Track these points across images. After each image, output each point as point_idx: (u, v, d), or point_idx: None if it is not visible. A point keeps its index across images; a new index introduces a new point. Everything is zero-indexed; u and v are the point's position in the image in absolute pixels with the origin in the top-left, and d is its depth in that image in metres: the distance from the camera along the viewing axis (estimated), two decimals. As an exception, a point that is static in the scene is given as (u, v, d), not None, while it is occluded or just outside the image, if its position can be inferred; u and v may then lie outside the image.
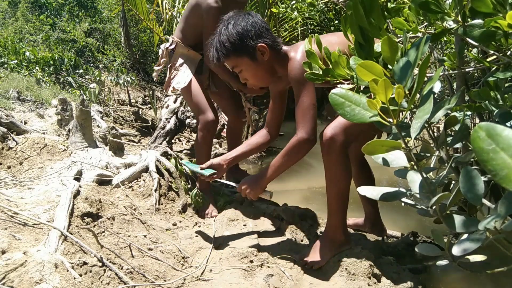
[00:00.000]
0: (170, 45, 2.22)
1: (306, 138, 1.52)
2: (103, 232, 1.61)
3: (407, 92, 0.68)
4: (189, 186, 2.24)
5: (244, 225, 1.93)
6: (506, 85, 0.85)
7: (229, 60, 1.59)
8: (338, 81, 0.87)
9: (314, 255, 1.56)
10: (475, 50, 1.02)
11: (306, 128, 1.52)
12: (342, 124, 1.50)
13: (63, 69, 4.88)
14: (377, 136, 1.65)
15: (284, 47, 1.63)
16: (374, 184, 1.89)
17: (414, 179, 0.79)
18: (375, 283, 1.41)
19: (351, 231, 1.96)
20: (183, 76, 2.14)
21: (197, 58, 2.22)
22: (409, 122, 0.76)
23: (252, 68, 1.59)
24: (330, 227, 1.59)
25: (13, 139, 2.37)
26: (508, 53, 0.80)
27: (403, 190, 0.81)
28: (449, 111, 0.80)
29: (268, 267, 1.53)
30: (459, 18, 0.77)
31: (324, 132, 1.53)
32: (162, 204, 2.03)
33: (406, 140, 0.71)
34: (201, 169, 1.74)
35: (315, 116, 1.53)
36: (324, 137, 1.52)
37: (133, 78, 4.80)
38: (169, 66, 2.22)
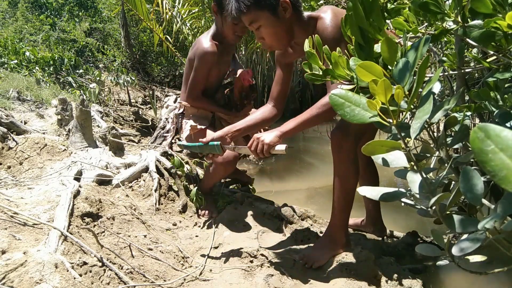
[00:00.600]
0: (178, 109, 2.20)
1: None
2: (103, 232, 1.61)
3: (406, 92, 0.68)
4: (190, 187, 2.24)
5: (244, 225, 1.93)
6: (506, 85, 0.86)
7: (249, 13, 1.49)
8: (338, 82, 0.87)
9: (314, 254, 1.56)
10: (475, 51, 1.02)
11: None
12: (352, 125, 1.48)
13: (63, 69, 4.88)
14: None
15: (307, 12, 1.56)
16: (378, 183, 1.88)
17: (414, 179, 0.79)
18: (375, 283, 1.41)
19: (351, 231, 1.96)
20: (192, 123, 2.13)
21: (209, 115, 2.19)
22: (409, 122, 0.76)
23: (271, 24, 1.50)
24: (332, 226, 1.59)
25: (13, 139, 2.37)
26: (507, 54, 0.80)
27: (403, 190, 0.81)
28: (449, 112, 0.80)
29: (268, 267, 1.53)
30: (459, 19, 0.77)
31: (334, 130, 1.52)
32: (162, 204, 2.03)
33: (406, 141, 0.71)
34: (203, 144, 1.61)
35: None
36: (335, 135, 1.51)
37: (133, 78, 4.80)
38: (183, 125, 2.17)
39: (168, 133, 2.31)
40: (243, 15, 1.51)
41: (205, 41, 2.01)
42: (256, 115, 1.72)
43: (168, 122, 3.04)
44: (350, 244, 1.60)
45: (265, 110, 1.74)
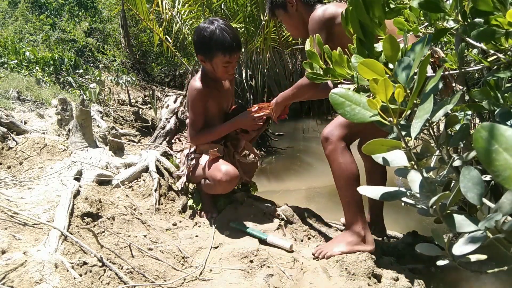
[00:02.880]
0: (189, 149, 2.13)
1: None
2: (103, 232, 1.61)
3: (407, 91, 0.68)
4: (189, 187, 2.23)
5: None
6: (507, 85, 0.85)
7: (271, 11, 1.91)
8: (338, 81, 0.87)
9: (329, 245, 1.60)
10: (475, 51, 1.02)
11: None
12: (338, 121, 1.60)
13: (63, 69, 4.87)
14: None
15: (320, 4, 1.80)
16: (385, 182, 1.88)
17: (414, 178, 0.79)
18: (375, 283, 1.41)
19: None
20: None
21: (220, 148, 2.08)
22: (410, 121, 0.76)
23: (286, 18, 1.89)
24: (347, 222, 1.62)
25: (13, 139, 2.37)
26: (508, 53, 0.80)
27: (403, 189, 0.81)
28: (449, 111, 0.80)
29: (268, 267, 1.53)
30: (459, 18, 0.77)
31: (322, 132, 1.63)
32: (162, 204, 2.03)
33: (406, 140, 0.71)
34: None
35: None
36: (321, 135, 1.62)
37: (133, 78, 4.79)
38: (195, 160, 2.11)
39: (180, 173, 2.24)
40: (271, 15, 1.93)
41: (193, 81, 1.98)
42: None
43: (168, 122, 3.04)
44: (373, 242, 1.58)
45: None
